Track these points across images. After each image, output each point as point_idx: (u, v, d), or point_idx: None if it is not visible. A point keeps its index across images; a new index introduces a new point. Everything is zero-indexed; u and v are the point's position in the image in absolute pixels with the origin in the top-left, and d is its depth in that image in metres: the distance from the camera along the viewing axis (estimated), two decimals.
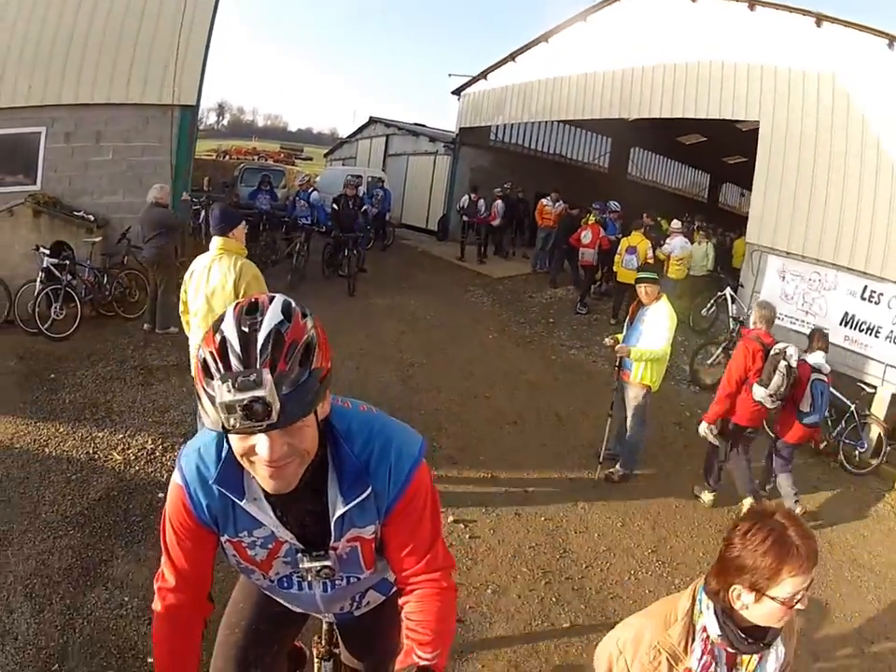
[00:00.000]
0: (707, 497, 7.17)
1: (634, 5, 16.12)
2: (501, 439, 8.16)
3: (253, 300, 1.61)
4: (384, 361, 10.17)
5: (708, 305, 12.81)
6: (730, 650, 2.16)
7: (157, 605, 2.06)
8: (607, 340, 7.56)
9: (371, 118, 31.45)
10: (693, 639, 2.17)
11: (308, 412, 1.56)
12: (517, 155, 25.76)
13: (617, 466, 7.47)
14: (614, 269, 13.79)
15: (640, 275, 7.50)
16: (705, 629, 2.15)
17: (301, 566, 1.99)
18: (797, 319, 10.94)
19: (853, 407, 9.28)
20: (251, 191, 17.48)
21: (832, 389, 8.59)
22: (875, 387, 9.81)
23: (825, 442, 9.21)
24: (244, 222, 5.82)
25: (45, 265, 9.86)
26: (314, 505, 1.88)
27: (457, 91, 23.50)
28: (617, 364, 7.42)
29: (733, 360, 7.08)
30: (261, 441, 1.55)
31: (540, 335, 12.68)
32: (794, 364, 6.78)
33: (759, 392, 6.75)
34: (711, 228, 17.56)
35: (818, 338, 7.60)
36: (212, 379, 1.49)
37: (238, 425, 1.45)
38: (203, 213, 15.71)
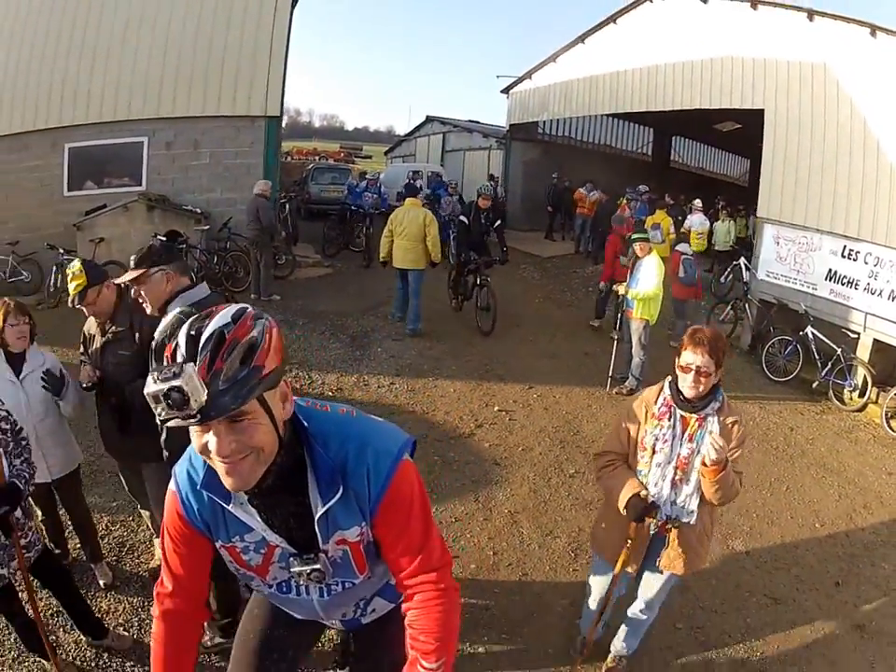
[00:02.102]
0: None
1: (655, 7, 17.56)
2: (540, 366, 10.19)
3: (212, 309, 1.70)
4: (457, 319, 12.33)
5: (726, 273, 14.40)
6: (674, 405, 3.50)
7: (155, 609, 2.16)
8: (618, 287, 9.61)
9: (427, 117, 32.93)
10: (660, 397, 3.61)
11: (239, 404, 1.59)
12: (564, 147, 26.92)
13: (626, 383, 9.48)
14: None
15: (634, 235, 9.63)
16: (665, 392, 3.59)
17: (292, 569, 2.05)
18: (790, 277, 12.20)
19: (839, 351, 10.60)
20: (358, 193, 18.49)
21: (820, 335, 10.75)
22: (858, 333, 10.92)
23: (816, 382, 10.68)
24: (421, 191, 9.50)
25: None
26: (296, 507, 1.93)
27: (506, 91, 24.90)
28: (622, 305, 9.59)
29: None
30: (211, 437, 1.63)
31: (579, 300, 14.30)
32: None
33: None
34: (739, 208, 19.05)
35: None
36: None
37: (164, 414, 1.54)
38: (287, 206, 17.78)
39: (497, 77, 27.27)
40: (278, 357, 1.68)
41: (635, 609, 4.15)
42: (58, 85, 13.40)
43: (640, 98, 18.57)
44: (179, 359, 1.56)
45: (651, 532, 3.65)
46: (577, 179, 22.33)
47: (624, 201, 17.63)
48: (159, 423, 1.56)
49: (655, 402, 3.63)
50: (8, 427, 3.48)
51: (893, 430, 9.49)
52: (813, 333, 10.97)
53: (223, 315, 1.63)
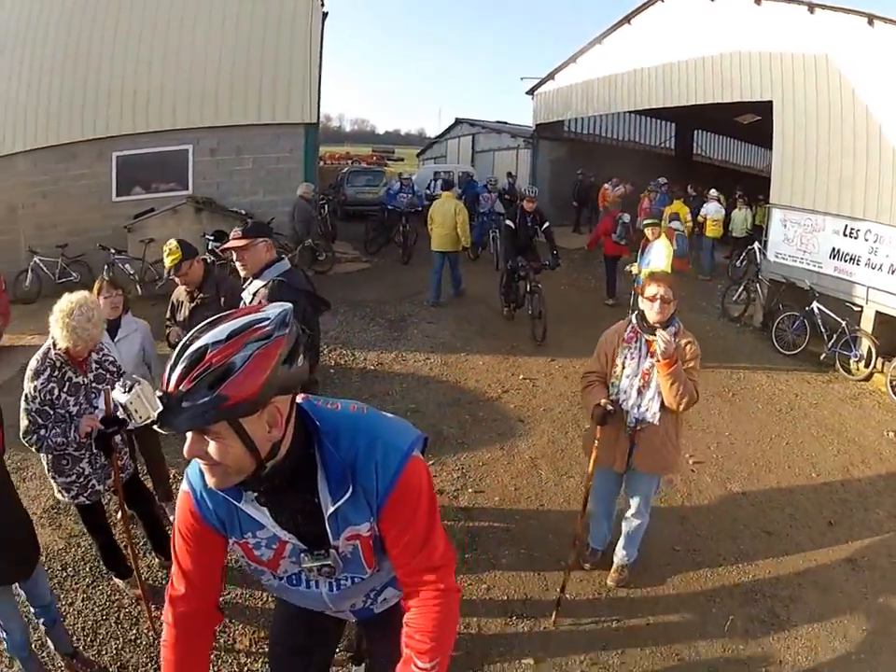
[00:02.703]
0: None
1: (666, 7, 18.28)
2: (563, 342, 11.02)
3: (232, 313, 1.78)
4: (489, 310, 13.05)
5: (741, 257, 15.12)
6: (640, 331, 4.55)
7: (167, 614, 2.14)
8: (628, 267, 10.74)
9: (457, 119, 33.76)
10: (628, 328, 4.67)
11: (187, 428, 1.63)
12: (590, 144, 27.73)
13: None
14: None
15: (646, 221, 10.97)
16: (633, 323, 4.64)
17: (303, 565, 2.09)
18: (797, 257, 12.80)
19: (844, 324, 11.13)
20: (392, 194, 18.74)
21: (825, 310, 11.38)
22: (861, 307, 11.42)
23: (823, 354, 11.26)
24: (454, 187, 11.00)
25: (210, 248, 12.33)
26: (305, 505, 1.95)
27: (531, 92, 25.73)
28: (634, 283, 10.44)
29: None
30: (187, 437, 1.70)
31: (600, 286, 14.85)
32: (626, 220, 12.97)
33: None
34: (758, 197, 19.65)
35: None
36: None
37: (120, 416, 1.84)
38: (325, 207, 18.82)
39: (522, 78, 27.80)
40: (254, 385, 1.63)
41: (628, 516, 5.06)
42: (104, 97, 14.45)
43: (656, 95, 19.29)
44: (167, 367, 1.64)
45: (627, 433, 4.66)
46: (602, 175, 23.08)
47: (646, 193, 18.65)
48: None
49: (625, 331, 4.71)
50: (115, 369, 4.39)
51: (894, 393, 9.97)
52: (819, 308, 11.53)
53: (225, 328, 1.66)
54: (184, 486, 2.03)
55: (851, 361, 11.07)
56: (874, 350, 10.80)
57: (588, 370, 4.91)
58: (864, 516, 6.58)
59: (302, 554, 2.05)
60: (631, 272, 10.83)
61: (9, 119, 14.41)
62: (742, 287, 13.73)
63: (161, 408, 1.57)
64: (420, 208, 18.03)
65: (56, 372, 4.03)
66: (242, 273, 4.68)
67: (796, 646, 4.66)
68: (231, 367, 1.60)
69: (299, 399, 1.93)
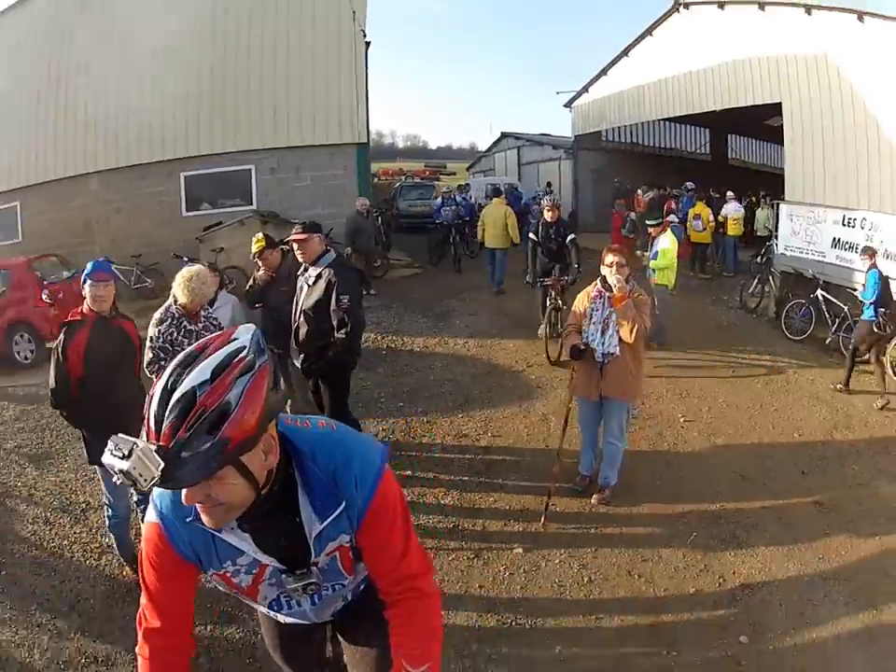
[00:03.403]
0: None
1: (683, 18, 19.45)
2: None
3: (203, 345, 1.71)
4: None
5: (761, 253, 16.06)
6: (603, 290, 6.06)
7: (143, 649, 2.04)
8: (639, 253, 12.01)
9: (502, 133, 35.42)
10: (594, 289, 6.17)
11: (199, 478, 1.57)
12: (627, 153, 28.73)
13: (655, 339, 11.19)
14: (688, 233, 17.28)
15: (648, 221, 12.08)
16: (598, 285, 6.14)
17: (287, 586, 2.09)
18: (803, 249, 13.68)
19: (846, 309, 11.64)
20: (437, 208, 19.30)
21: (828, 296, 12.09)
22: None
23: (828, 339, 11.81)
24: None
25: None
26: (288, 527, 1.93)
27: (568, 105, 26.98)
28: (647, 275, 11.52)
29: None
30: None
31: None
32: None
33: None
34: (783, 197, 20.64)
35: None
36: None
37: (121, 483, 1.50)
38: (380, 218, 19.85)
39: (557, 93, 28.98)
40: (253, 421, 1.61)
41: (606, 442, 6.37)
42: (170, 123, 16.23)
43: (678, 103, 20.55)
44: (151, 417, 1.56)
45: (597, 367, 6.06)
46: (640, 182, 23.69)
47: (670, 196, 19.72)
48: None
49: (592, 292, 6.24)
50: (218, 324, 5.80)
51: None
52: (823, 295, 12.17)
53: (206, 366, 1.60)
54: (151, 517, 1.94)
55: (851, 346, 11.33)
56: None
57: (568, 322, 6.45)
58: (840, 471, 7.30)
59: (283, 576, 2.05)
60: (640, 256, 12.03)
61: (79, 141, 16.33)
62: (757, 280, 14.58)
63: (162, 464, 1.48)
64: (467, 218, 19.14)
65: (175, 321, 5.47)
66: (301, 260, 6.13)
67: (751, 562, 5.53)
68: (227, 407, 1.57)
69: None
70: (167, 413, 1.54)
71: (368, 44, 17.28)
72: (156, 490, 1.87)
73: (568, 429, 6.38)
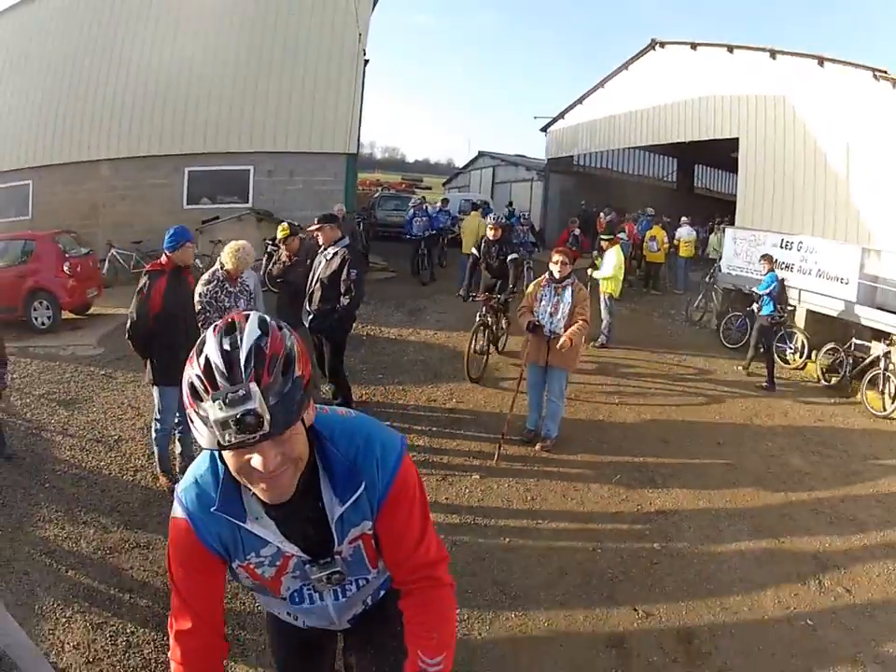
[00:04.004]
0: None
1: (658, 55, 20.96)
2: None
3: (230, 319, 1.67)
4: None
5: (709, 274, 17.28)
6: (551, 281, 7.67)
7: (175, 653, 2.01)
8: (590, 271, 13.28)
9: (480, 152, 36.89)
10: (544, 280, 7.80)
11: (295, 419, 1.62)
12: (596, 177, 30.33)
13: (598, 339, 12.85)
14: (643, 253, 19.48)
15: (602, 236, 13.72)
16: (546, 277, 7.75)
17: (311, 577, 2.03)
18: (743, 268, 15.00)
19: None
20: (409, 219, 19.52)
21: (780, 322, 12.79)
22: (795, 306, 13.42)
23: (762, 348, 12.59)
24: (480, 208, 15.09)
25: (268, 250, 14.35)
26: (312, 513, 1.90)
27: (544, 129, 28.60)
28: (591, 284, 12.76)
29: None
30: (255, 455, 1.61)
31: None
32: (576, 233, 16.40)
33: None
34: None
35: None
36: (202, 401, 1.54)
37: (233, 439, 1.51)
38: (361, 224, 20.87)
39: (535, 117, 30.56)
40: (307, 363, 1.70)
41: (549, 400, 7.93)
42: (179, 120, 17.46)
43: (647, 133, 22.06)
44: (219, 378, 1.54)
45: (545, 341, 7.52)
46: (605, 205, 25.23)
47: (630, 220, 21.50)
48: (213, 444, 1.56)
49: (542, 282, 7.82)
50: (249, 289, 7.19)
51: (825, 381, 11.79)
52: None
53: (252, 329, 1.62)
54: (177, 513, 1.93)
55: (787, 353, 12.92)
56: (806, 343, 12.74)
57: (521, 305, 7.94)
58: (754, 444, 8.70)
59: (307, 566, 2.00)
60: (589, 274, 13.34)
61: (94, 129, 17.46)
62: (701, 296, 16.13)
63: (269, 417, 1.53)
64: (433, 231, 19.43)
65: (219, 283, 6.89)
66: (321, 243, 8.02)
67: (666, 497, 6.95)
68: (291, 351, 1.64)
69: None
70: (243, 366, 1.55)
71: (366, 62, 18.66)
72: (180, 486, 1.93)
73: (517, 400, 8.06)
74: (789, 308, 13.20)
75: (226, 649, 2.11)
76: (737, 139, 17.61)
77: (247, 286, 7.22)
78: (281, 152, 18.02)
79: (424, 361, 10.95)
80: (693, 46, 19.25)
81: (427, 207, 20.43)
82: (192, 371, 1.59)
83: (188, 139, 17.54)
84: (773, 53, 15.99)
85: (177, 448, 6.82)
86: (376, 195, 31.18)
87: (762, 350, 12.01)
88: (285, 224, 8.78)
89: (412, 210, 19.87)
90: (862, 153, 13.87)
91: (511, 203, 27.08)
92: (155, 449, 6.73)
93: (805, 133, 15.16)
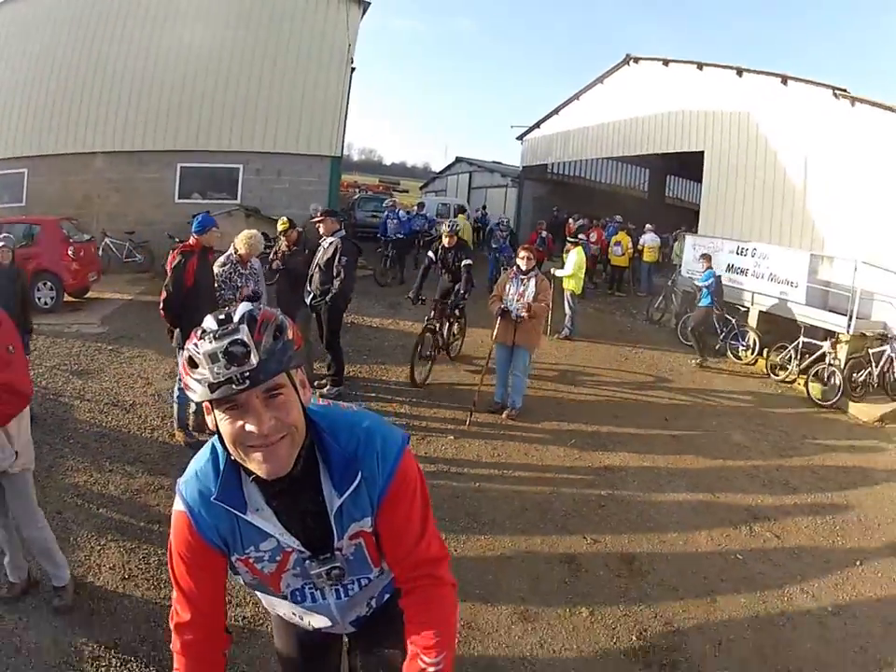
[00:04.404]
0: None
1: (632, 70, 22.18)
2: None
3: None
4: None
5: (671, 277, 18.19)
6: (518, 273, 8.91)
7: (175, 644, 2.06)
8: (554, 270, 14.26)
9: (457, 158, 37.92)
10: (511, 272, 9.07)
11: (284, 368, 1.67)
12: (569, 185, 31.45)
13: (562, 332, 14.12)
14: (609, 257, 20.80)
15: (569, 239, 15.20)
16: (513, 270, 8.96)
17: (311, 572, 2.03)
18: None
19: (734, 321, 14.21)
20: (383, 221, 20.31)
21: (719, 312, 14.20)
22: (748, 307, 14.80)
23: (717, 345, 14.19)
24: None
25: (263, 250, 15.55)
26: (312, 505, 1.92)
27: (520, 138, 29.77)
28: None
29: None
30: (250, 418, 1.67)
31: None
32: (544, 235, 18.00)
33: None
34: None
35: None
36: (196, 367, 1.63)
37: (221, 373, 1.58)
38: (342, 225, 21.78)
39: (512, 126, 31.53)
40: (298, 336, 1.76)
41: (514, 375, 9.08)
42: (174, 117, 18.35)
43: (617, 145, 23.33)
44: (218, 345, 1.61)
45: (512, 324, 8.64)
46: (576, 212, 26.24)
47: (597, 226, 22.95)
48: (204, 390, 1.62)
49: (510, 274, 9.01)
50: (255, 272, 8.24)
51: (774, 376, 12.98)
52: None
53: (244, 306, 1.72)
54: (178, 506, 1.96)
55: (740, 350, 14.05)
56: (757, 341, 13.86)
57: (493, 294, 9.12)
58: (699, 422, 9.90)
59: (308, 562, 2.01)
60: (553, 273, 14.19)
61: (90, 122, 18.25)
62: (662, 297, 17.23)
63: (258, 356, 1.61)
64: (403, 234, 19.88)
65: (232, 266, 7.98)
66: (321, 233, 9.18)
67: (614, 458, 8.14)
68: (282, 320, 1.73)
69: None
70: (240, 327, 1.63)
71: (353, 69, 19.70)
72: (181, 480, 1.97)
73: (486, 377, 9.28)
74: (743, 309, 14.64)
75: (227, 641, 2.17)
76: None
77: (254, 269, 8.30)
78: (269, 152, 18.98)
79: (403, 346, 11.71)
80: (666, 62, 20.45)
81: (399, 210, 21.12)
82: (189, 344, 1.67)
83: (181, 136, 18.42)
84: (740, 71, 17.24)
85: (192, 407, 7.51)
86: (356, 196, 32.01)
87: (699, 334, 13.63)
88: (284, 218, 10.11)
89: (386, 212, 20.78)
90: (819, 167, 15.14)
91: (484, 207, 28.40)
92: (175, 407, 7.48)
93: (766, 147, 16.41)
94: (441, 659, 1.96)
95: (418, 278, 10.80)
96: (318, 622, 2.32)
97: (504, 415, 9.01)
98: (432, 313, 10.52)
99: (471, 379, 10.31)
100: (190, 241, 7.39)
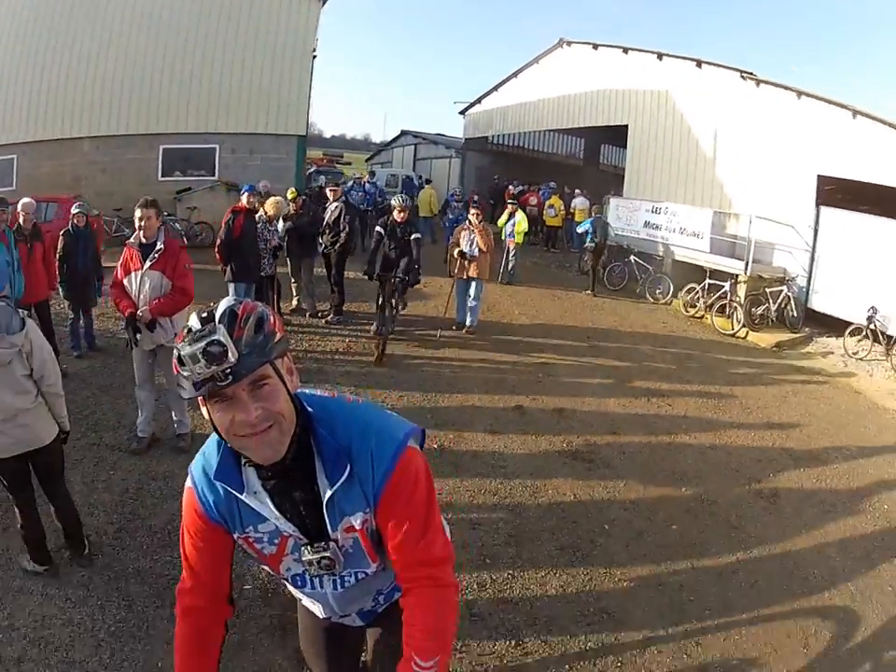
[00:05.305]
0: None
1: (565, 52, 24.36)
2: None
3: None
4: None
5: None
6: (469, 226, 11.70)
7: (177, 608, 2.17)
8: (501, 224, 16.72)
9: (402, 130, 39.38)
10: (463, 226, 11.85)
11: (264, 361, 1.71)
12: (509, 155, 33.32)
13: (506, 278, 16.54)
14: (544, 218, 23.25)
15: (510, 202, 17.60)
16: (466, 226, 11.64)
17: (303, 558, 2.05)
18: (624, 228, 18.67)
19: (651, 268, 17.04)
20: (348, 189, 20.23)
21: (639, 260, 17.06)
22: (663, 257, 17.33)
23: (638, 289, 16.95)
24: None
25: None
26: (307, 493, 1.95)
27: (462, 112, 31.80)
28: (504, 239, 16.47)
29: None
30: (237, 409, 1.71)
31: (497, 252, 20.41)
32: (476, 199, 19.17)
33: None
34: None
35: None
36: (183, 365, 1.66)
37: (203, 372, 1.62)
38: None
39: (455, 102, 32.98)
40: (281, 327, 1.81)
41: (469, 299, 11.74)
42: (155, 103, 19.83)
43: (553, 118, 25.66)
44: (201, 344, 1.65)
45: (468, 260, 11.27)
46: (516, 179, 28.52)
47: (535, 190, 25.31)
48: (191, 388, 1.68)
49: (464, 226, 11.93)
50: (276, 233, 10.69)
51: (685, 312, 15.47)
52: (635, 259, 17.50)
53: (226, 302, 1.76)
54: (188, 483, 2.05)
55: (657, 292, 16.69)
56: (671, 285, 16.45)
57: (452, 241, 11.73)
58: (616, 341, 12.33)
59: (303, 548, 2.03)
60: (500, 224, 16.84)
61: (77, 109, 19.53)
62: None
63: (237, 353, 1.64)
64: (369, 207, 21.11)
65: (264, 224, 10.20)
66: (330, 198, 11.94)
67: (547, 356, 10.79)
68: (262, 312, 1.76)
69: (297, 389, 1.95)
70: (217, 327, 1.67)
71: (314, 56, 21.64)
72: (193, 463, 2.06)
73: (450, 302, 11.82)
74: (658, 258, 17.29)
75: (229, 612, 2.24)
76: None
77: (276, 227, 10.65)
78: (243, 133, 20.73)
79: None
80: (595, 46, 22.61)
81: (365, 184, 22.67)
82: (177, 344, 1.72)
83: (161, 120, 19.93)
84: (660, 55, 19.42)
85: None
86: (310, 171, 32.56)
87: (590, 269, 17.01)
88: (293, 188, 12.63)
89: (351, 183, 22.24)
90: (728, 138, 17.44)
91: (426, 179, 28.71)
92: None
93: (682, 121, 18.68)
94: (434, 663, 1.96)
95: (371, 254, 10.96)
96: (321, 611, 2.41)
97: (464, 331, 11.60)
98: (389, 288, 10.55)
99: (438, 311, 12.36)
100: (240, 203, 9.85)
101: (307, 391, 2.02)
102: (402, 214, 10.83)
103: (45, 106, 19.53)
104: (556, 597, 5.00)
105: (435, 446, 7.17)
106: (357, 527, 1.99)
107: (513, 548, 5.56)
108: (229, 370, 1.63)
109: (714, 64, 17.87)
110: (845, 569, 5.78)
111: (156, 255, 6.23)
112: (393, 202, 11.24)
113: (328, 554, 2.01)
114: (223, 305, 1.74)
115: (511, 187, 26.83)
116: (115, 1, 19.68)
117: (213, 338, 1.63)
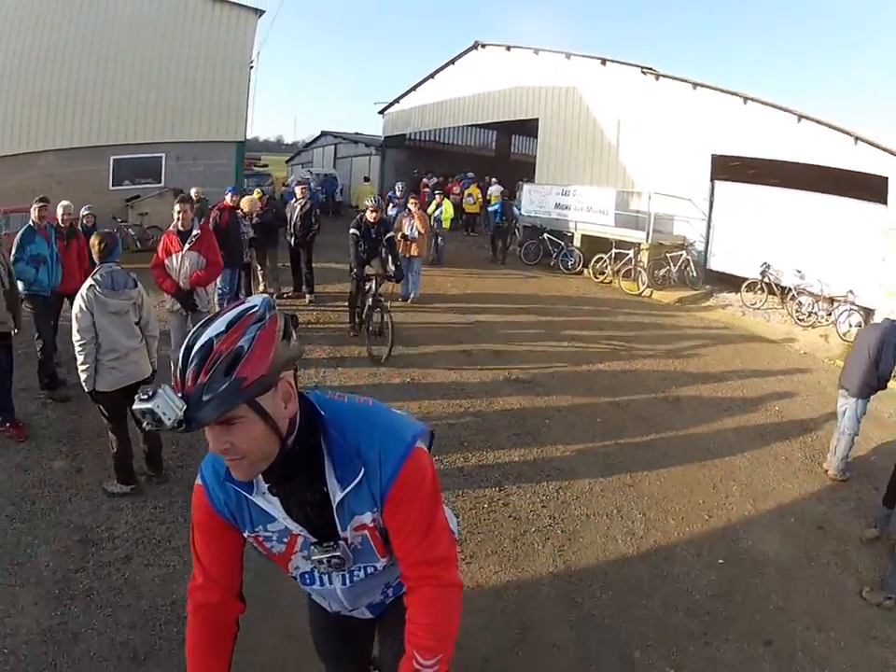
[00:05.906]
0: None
1: (479, 54, 26.00)
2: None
3: (221, 310, 1.79)
4: None
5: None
6: (407, 215, 13.64)
7: (189, 605, 2.18)
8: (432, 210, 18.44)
9: (322, 131, 40.14)
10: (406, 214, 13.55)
11: (218, 416, 1.65)
12: (427, 150, 34.91)
13: (433, 258, 18.27)
14: (464, 206, 25.04)
15: (436, 192, 19.70)
16: (406, 212, 13.57)
17: (312, 557, 2.09)
18: (536, 210, 20.33)
19: (562, 244, 18.83)
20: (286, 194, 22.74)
21: (552, 237, 18.89)
22: (573, 233, 19.08)
23: (552, 262, 18.78)
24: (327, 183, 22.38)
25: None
26: (315, 495, 1.97)
27: (381, 112, 33.18)
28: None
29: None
30: (210, 437, 1.72)
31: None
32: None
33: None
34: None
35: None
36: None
37: (153, 427, 1.62)
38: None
39: (375, 103, 34.23)
40: (265, 362, 1.70)
41: (412, 276, 13.57)
42: (105, 116, 20.48)
43: (468, 115, 27.44)
44: (177, 370, 1.68)
45: (408, 242, 13.29)
46: (437, 173, 30.44)
47: (455, 181, 27.13)
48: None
49: (405, 214, 13.93)
50: (248, 227, 12.16)
51: (596, 279, 17.52)
52: (548, 237, 19.25)
53: (222, 321, 1.71)
54: (197, 480, 2.08)
55: (569, 264, 18.62)
56: (581, 257, 18.48)
57: (395, 227, 12.88)
58: (538, 303, 14.21)
59: (312, 547, 2.07)
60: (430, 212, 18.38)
61: (33, 125, 19.98)
62: (510, 235, 20.71)
63: (184, 406, 1.60)
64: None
65: (240, 219, 11.45)
66: (298, 197, 13.24)
67: (482, 315, 12.62)
68: (240, 350, 1.66)
69: (307, 391, 1.99)
70: (189, 363, 1.66)
71: (252, 68, 23.00)
72: (204, 462, 2.09)
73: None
74: (569, 235, 19.27)
75: (241, 608, 2.26)
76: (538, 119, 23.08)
77: (249, 223, 11.98)
78: (186, 142, 21.73)
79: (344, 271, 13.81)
80: (508, 48, 24.44)
81: (311, 183, 24.09)
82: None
83: (112, 132, 20.73)
84: (568, 55, 21.38)
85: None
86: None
87: (494, 242, 19.68)
88: (258, 191, 13.89)
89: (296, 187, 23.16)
90: (630, 126, 19.50)
91: (366, 178, 30.59)
92: (216, 307, 9.77)
93: (588, 113, 20.66)
94: (436, 661, 1.98)
95: (354, 256, 11.00)
96: (331, 606, 2.49)
97: (409, 301, 13.33)
98: (372, 285, 10.77)
99: (392, 287, 12.53)
100: (224, 202, 11.40)
101: (318, 393, 2.05)
102: (374, 214, 11.00)
103: (3, 123, 20.02)
104: (521, 462, 7.16)
105: (408, 380, 9.25)
106: (369, 525, 2.03)
107: (482, 436, 7.67)
108: (178, 424, 1.62)
109: (617, 62, 19.85)
110: (741, 444, 8.02)
111: (193, 238, 7.95)
112: (367, 203, 11.33)
113: (337, 553, 2.06)
114: (210, 331, 1.71)
115: (425, 179, 28.79)
116: (59, 26, 20.24)
117: (145, 407, 1.61)
